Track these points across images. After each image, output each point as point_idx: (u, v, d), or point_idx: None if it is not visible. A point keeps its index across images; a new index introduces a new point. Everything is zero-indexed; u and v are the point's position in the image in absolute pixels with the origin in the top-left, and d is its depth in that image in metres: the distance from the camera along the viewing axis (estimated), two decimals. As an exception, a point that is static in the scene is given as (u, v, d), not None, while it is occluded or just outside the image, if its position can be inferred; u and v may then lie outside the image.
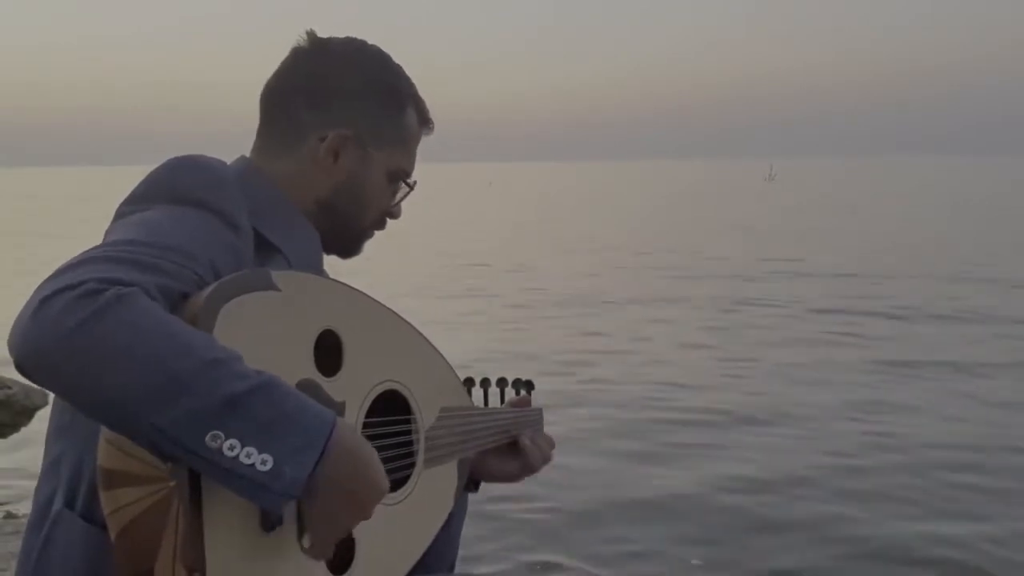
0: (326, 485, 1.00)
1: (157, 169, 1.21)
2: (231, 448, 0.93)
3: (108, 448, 1.03)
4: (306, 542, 1.06)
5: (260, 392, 0.96)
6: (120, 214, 1.17)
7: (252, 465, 0.94)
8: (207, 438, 0.93)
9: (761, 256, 14.45)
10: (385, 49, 1.45)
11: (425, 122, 1.48)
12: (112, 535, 1.04)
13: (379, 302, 1.30)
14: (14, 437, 4.25)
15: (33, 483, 1.22)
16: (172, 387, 0.92)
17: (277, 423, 0.96)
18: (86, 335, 0.91)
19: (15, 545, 3.11)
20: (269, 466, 0.95)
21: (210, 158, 1.26)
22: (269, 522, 1.04)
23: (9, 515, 3.77)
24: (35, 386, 2.32)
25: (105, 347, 0.91)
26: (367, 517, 1.08)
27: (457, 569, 1.62)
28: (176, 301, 1.03)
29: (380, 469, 1.08)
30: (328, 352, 1.18)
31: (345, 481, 1.02)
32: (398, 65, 1.45)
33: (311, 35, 1.40)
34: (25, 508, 3.66)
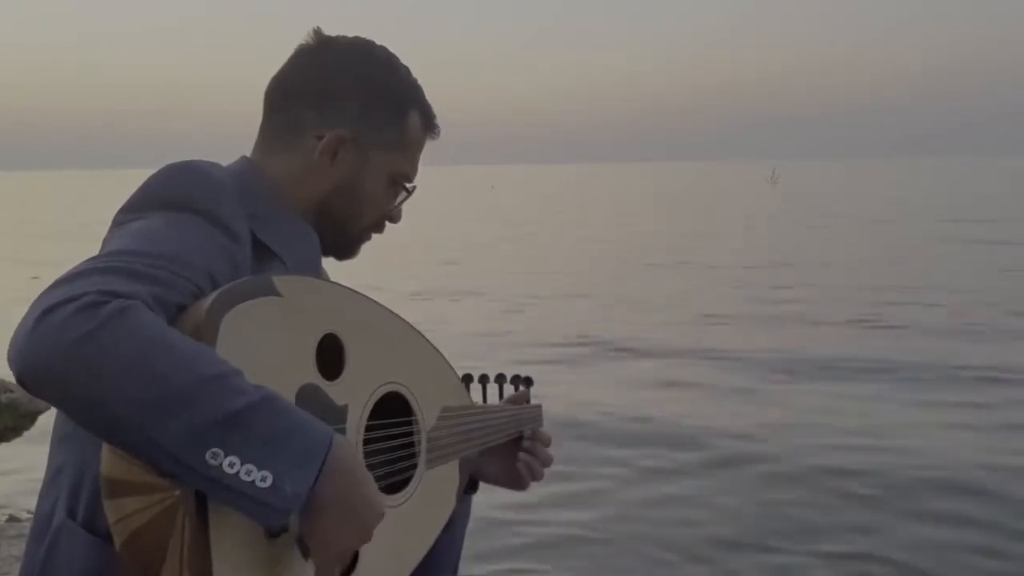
0: (326, 501, 1.00)
1: (152, 176, 1.20)
2: (231, 465, 0.93)
3: (111, 457, 1.02)
4: (311, 569, 1.05)
5: (260, 408, 0.96)
6: (117, 223, 1.17)
7: (252, 482, 0.94)
8: (207, 455, 0.92)
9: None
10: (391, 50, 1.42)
11: (430, 127, 1.45)
12: (117, 544, 1.04)
13: (379, 303, 1.30)
14: (17, 441, 4.25)
15: (36, 486, 1.22)
16: (173, 402, 0.91)
17: (276, 439, 0.96)
18: (88, 348, 0.91)
19: (19, 548, 3.11)
20: (269, 483, 0.94)
21: (205, 163, 1.25)
22: (274, 529, 1.04)
23: (12, 518, 3.77)
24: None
25: (107, 360, 0.91)
26: (368, 538, 1.07)
27: (461, 570, 1.61)
28: (173, 311, 1.02)
29: (376, 489, 1.08)
30: (330, 356, 1.18)
31: (344, 497, 1.02)
32: (405, 67, 1.42)
33: (317, 33, 1.39)
34: (28, 512, 3.66)
